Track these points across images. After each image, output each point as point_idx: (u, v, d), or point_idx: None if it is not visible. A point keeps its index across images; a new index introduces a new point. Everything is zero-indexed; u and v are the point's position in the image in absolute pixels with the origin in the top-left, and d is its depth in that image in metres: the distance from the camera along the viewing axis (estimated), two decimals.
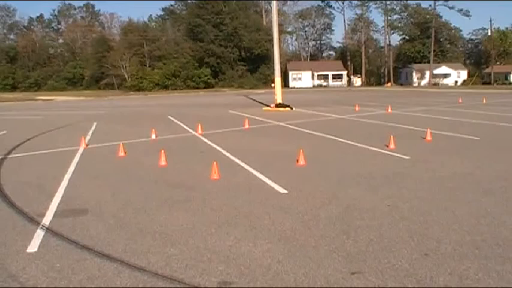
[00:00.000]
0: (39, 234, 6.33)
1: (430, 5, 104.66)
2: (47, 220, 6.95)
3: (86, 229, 6.50)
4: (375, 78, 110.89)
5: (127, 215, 7.21)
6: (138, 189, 8.96)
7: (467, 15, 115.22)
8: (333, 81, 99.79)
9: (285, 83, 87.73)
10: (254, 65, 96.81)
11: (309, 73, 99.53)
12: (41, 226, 6.67)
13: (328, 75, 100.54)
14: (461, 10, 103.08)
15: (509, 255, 5.19)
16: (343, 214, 6.91)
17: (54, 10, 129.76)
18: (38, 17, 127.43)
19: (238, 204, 7.66)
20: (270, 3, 35.34)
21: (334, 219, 6.65)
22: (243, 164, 11.16)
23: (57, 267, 5.20)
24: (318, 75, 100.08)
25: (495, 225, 6.23)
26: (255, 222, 6.61)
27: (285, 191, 8.44)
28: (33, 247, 5.84)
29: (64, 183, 9.60)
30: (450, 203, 7.40)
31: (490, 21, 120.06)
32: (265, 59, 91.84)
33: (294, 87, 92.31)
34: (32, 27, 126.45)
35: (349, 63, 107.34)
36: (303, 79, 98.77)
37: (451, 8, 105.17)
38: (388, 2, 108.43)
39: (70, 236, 6.22)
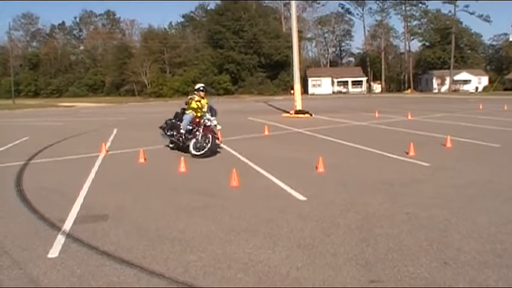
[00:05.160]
0: (60, 239, 6.40)
1: (450, 11, 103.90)
2: (67, 226, 7.02)
3: (106, 235, 6.56)
4: (394, 85, 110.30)
5: (146, 221, 7.26)
6: (158, 196, 9.03)
7: (488, 21, 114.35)
8: (352, 88, 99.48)
9: (305, 89, 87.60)
10: (274, 72, 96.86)
11: (329, 79, 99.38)
12: (61, 232, 6.74)
13: (347, 81, 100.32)
14: (482, 16, 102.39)
15: None
16: (362, 222, 6.89)
17: (75, 18, 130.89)
18: (59, 24, 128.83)
19: (258, 211, 7.67)
20: (289, 10, 35.44)
21: (353, 227, 6.64)
22: (262, 171, 11.18)
23: (77, 273, 5.25)
24: (337, 81, 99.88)
25: None
26: (274, 230, 6.61)
27: (304, 198, 8.43)
28: (54, 252, 5.91)
29: (85, 189, 9.69)
30: (470, 211, 7.34)
31: None
32: (285, 65, 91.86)
33: (313, 94, 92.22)
34: (54, 34, 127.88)
35: (368, 69, 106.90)
36: (322, 85, 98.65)
37: (472, 13, 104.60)
38: (407, 8, 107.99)
39: (90, 241, 6.28)
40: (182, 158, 11.90)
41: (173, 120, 15.60)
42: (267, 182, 10.08)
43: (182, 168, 11.51)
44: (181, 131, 14.62)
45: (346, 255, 5.55)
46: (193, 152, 13.76)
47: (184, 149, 14.29)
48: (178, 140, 14.76)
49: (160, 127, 16.03)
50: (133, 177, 11.19)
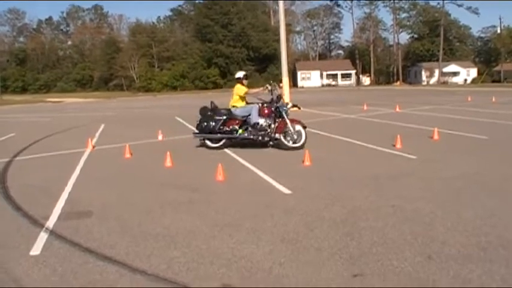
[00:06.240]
0: (43, 237, 6.33)
1: (438, 3, 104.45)
2: (51, 223, 6.95)
3: (90, 232, 6.50)
4: (384, 77, 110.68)
5: (131, 217, 7.20)
6: (143, 191, 8.97)
7: (476, 13, 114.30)
8: (341, 81, 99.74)
9: (294, 82, 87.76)
10: (262, 65, 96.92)
11: (318, 72, 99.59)
12: (44, 229, 6.68)
13: (337, 74, 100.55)
14: (470, 8, 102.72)
15: None
16: (348, 215, 6.86)
17: (62, 12, 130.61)
18: (47, 19, 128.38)
19: (242, 205, 7.63)
20: (277, 3, 35.30)
21: (337, 221, 6.61)
22: (248, 165, 11.14)
23: (59, 270, 5.19)
24: (326, 74, 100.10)
25: (501, 227, 6.15)
26: (258, 224, 6.57)
27: (290, 192, 8.40)
28: (36, 250, 5.84)
29: (69, 185, 9.62)
30: (456, 204, 7.33)
31: (500, 19, 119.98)
32: (274, 58, 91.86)
33: (302, 87, 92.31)
34: (41, 29, 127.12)
35: (357, 62, 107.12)
36: (311, 78, 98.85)
37: (460, 5, 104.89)
38: (396, 1, 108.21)
39: (73, 238, 6.21)
40: (168, 152, 11.82)
41: (224, 117, 13.92)
42: (253, 176, 10.04)
43: (168, 163, 11.45)
44: (269, 127, 13.60)
45: (330, 250, 5.52)
46: (290, 144, 13.38)
47: (250, 144, 13.84)
48: (257, 136, 13.55)
49: (199, 129, 14.15)
50: (119, 172, 11.13)
